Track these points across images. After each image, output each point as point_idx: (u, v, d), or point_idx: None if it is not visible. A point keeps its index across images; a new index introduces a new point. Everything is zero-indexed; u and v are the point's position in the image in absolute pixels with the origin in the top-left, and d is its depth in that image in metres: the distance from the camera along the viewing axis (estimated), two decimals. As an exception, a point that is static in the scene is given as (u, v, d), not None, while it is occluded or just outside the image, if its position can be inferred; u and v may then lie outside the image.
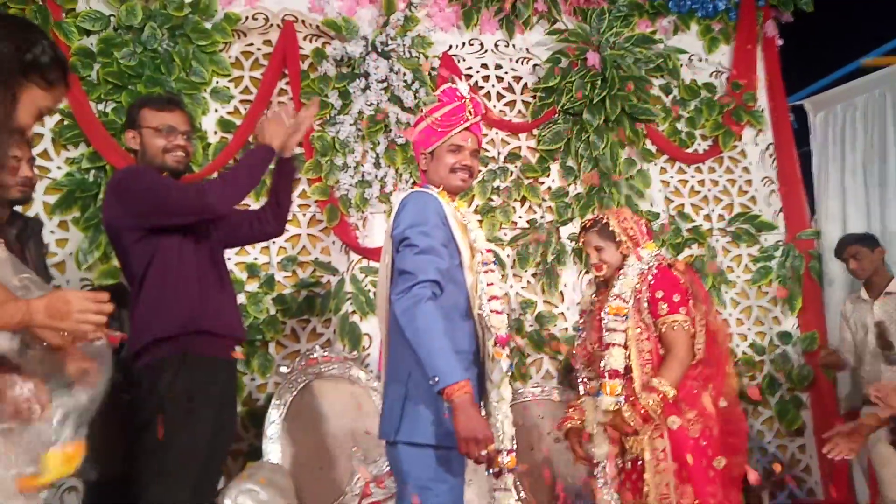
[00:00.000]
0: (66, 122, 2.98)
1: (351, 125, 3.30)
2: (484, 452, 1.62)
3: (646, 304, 2.10)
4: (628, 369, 2.08)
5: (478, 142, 1.95)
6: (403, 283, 1.72)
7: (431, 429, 1.70)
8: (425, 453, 1.71)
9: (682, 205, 3.60)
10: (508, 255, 3.39)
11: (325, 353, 2.77)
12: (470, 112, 1.91)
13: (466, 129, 1.90)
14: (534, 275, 3.39)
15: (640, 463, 2.04)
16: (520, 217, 3.45)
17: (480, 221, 3.34)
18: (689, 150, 3.64)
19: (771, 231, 3.61)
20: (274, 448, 2.55)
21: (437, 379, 1.61)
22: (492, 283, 1.87)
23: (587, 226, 2.26)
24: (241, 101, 3.29)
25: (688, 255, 3.50)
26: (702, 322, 2.12)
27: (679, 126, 3.67)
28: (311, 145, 3.25)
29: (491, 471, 1.80)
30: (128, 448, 1.93)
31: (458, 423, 1.59)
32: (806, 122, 3.82)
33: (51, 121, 2.97)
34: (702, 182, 3.65)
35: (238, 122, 3.23)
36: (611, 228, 2.21)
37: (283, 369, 2.77)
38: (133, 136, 2.10)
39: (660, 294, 2.09)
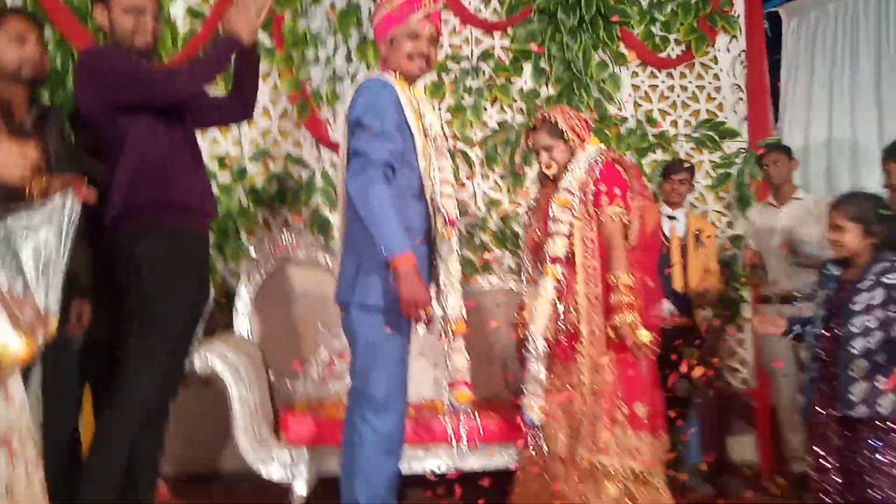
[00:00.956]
0: (29, 7, 2.94)
1: (323, 19, 3.28)
2: (422, 314, 1.80)
3: (591, 196, 2.21)
4: (570, 258, 2.22)
5: (436, 30, 1.99)
6: (357, 164, 1.84)
7: (380, 293, 1.88)
8: (375, 315, 1.89)
9: (651, 110, 3.65)
10: (477, 155, 3.46)
11: (294, 239, 2.90)
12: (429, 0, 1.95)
13: (425, 16, 1.95)
14: (501, 175, 3.48)
15: (573, 338, 2.19)
16: (490, 118, 3.49)
17: (451, 121, 3.42)
18: (663, 55, 3.66)
19: (734, 138, 3.68)
20: (243, 322, 2.73)
21: (384, 250, 1.80)
22: (444, 168, 1.99)
23: (536, 126, 2.33)
24: (212, -10, 3.24)
25: (652, 161, 3.59)
26: (638, 213, 2.24)
27: (654, 29, 3.65)
28: (282, 37, 3.23)
29: (429, 330, 1.99)
30: (110, 312, 2.07)
31: (401, 288, 1.78)
32: (780, 29, 3.82)
33: (13, 3, 2.93)
34: (672, 88, 3.68)
35: (207, 11, 3.20)
36: (559, 127, 2.28)
37: (254, 253, 2.90)
38: (101, 12, 2.09)
39: (603, 187, 2.21)
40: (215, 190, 3.12)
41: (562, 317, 2.21)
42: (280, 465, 2.26)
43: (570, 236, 2.22)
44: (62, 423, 2.06)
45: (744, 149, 3.68)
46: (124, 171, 1.99)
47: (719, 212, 3.67)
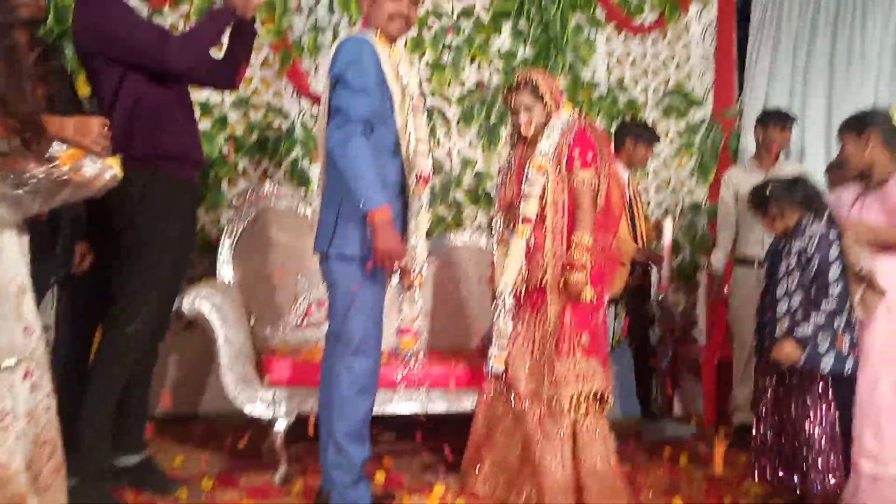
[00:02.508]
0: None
1: (306, -31, 3.25)
2: (396, 265, 1.92)
3: (564, 160, 2.33)
4: (540, 219, 2.35)
5: None
6: (338, 119, 1.92)
7: (358, 244, 1.99)
8: (353, 265, 2.00)
9: (623, 76, 3.75)
10: (454, 114, 3.53)
11: (274, 188, 2.96)
12: None
13: None
14: (476, 134, 3.56)
15: (537, 291, 2.34)
16: (468, 77, 3.55)
17: (429, 80, 3.46)
18: (638, 22, 3.73)
19: (699, 106, 3.82)
20: (226, 269, 2.79)
21: (362, 203, 1.90)
22: (419, 127, 2.08)
23: (519, 85, 2.40)
24: (192, -70, 3.16)
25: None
26: (605, 177, 2.38)
27: (630, -6, 3.72)
28: (264, -16, 3.19)
29: (400, 282, 2.13)
30: (105, 249, 2.14)
31: (377, 240, 1.90)
32: (750, 3, 3.92)
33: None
34: (644, 55, 3.77)
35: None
36: (540, 89, 2.38)
37: (234, 201, 2.95)
38: None
39: (576, 152, 2.32)
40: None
41: (528, 273, 2.36)
42: (263, 403, 2.38)
43: (541, 198, 2.34)
44: (72, 360, 2.17)
45: (708, 119, 3.83)
46: (119, 119, 2.02)
47: (680, 179, 3.84)
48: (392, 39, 2.08)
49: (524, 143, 2.46)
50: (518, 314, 2.37)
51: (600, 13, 3.66)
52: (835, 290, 2.19)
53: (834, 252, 2.21)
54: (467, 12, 3.51)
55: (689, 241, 3.79)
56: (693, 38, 3.82)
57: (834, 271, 2.20)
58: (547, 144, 2.34)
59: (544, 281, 2.32)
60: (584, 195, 2.31)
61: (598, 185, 2.34)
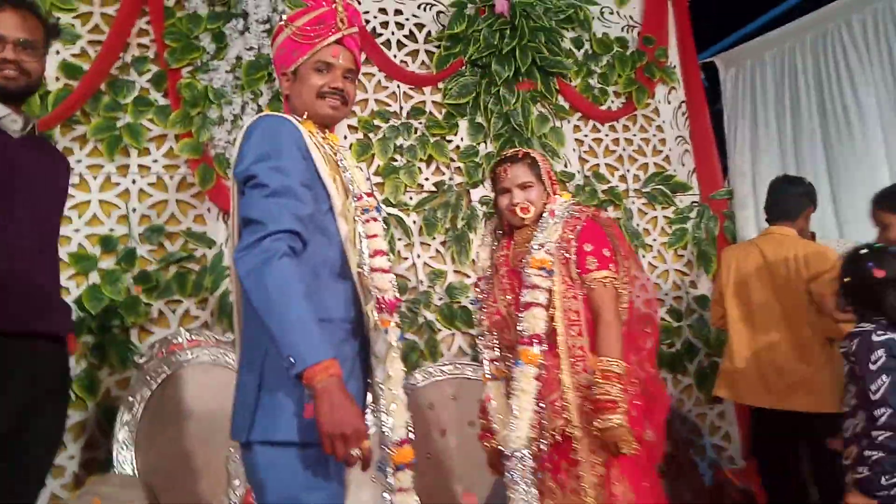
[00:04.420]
0: None
1: (227, 72, 2.76)
2: (355, 451, 1.21)
3: (574, 258, 1.75)
4: (549, 334, 1.73)
5: (353, 60, 1.50)
6: (249, 235, 1.28)
7: (294, 422, 1.27)
8: (289, 454, 1.28)
9: (598, 165, 3.31)
10: (415, 222, 2.98)
11: (193, 337, 2.25)
12: (342, 20, 1.46)
13: (338, 41, 1.46)
14: (442, 242, 3.00)
15: (562, 443, 1.68)
16: (426, 179, 3.03)
17: (381, 184, 2.93)
18: (603, 108, 3.36)
19: (686, 192, 3.39)
20: (126, 456, 2.02)
21: (292, 359, 1.20)
22: (375, 235, 1.45)
23: (516, 157, 1.85)
24: (90, 42, 2.67)
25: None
26: (625, 280, 1.80)
27: (592, 82, 3.37)
28: (178, 94, 2.68)
29: (378, 470, 1.40)
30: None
31: (321, 414, 1.20)
32: (717, 79, 3.64)
33: None
34: (616, 141, 3.37)
35: (86, 66, 2.62)
36: (539, 165, 1.84)
37: (139, 359, 2.22)
38: None
39: (588, 247, 1.74)
40: (95, 277, 2.47)
41: (547, 417, 1.69)
42: None
43: (548, 307, 1.73)
44: None
45: (697, 202, 3.39)
46: None
47: (680, 271, 3.32)
48: (325, 125, 1.51)
49: (510, 240, 1.89)
50: (543, 485, 1.67)
51: (563, 102, 3.28)
52: (883, 411, 1.63)
53: (877, 357, 1.66)
54: (418, 110, 3.06)
55: (703, 342, 3.20)
56: (665, 120, 3.47)
57: (879, 384, 1.64)
58: (546, 234, 1.76)
59: (569, 429, 1.65)
60: (604, 303, 1.71)
61: (621, 289, 1.76)
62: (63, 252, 2.44)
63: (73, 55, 2.64)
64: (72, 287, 2.44)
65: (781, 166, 3.25)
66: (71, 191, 2.52)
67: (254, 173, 1.32)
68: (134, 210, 2.59)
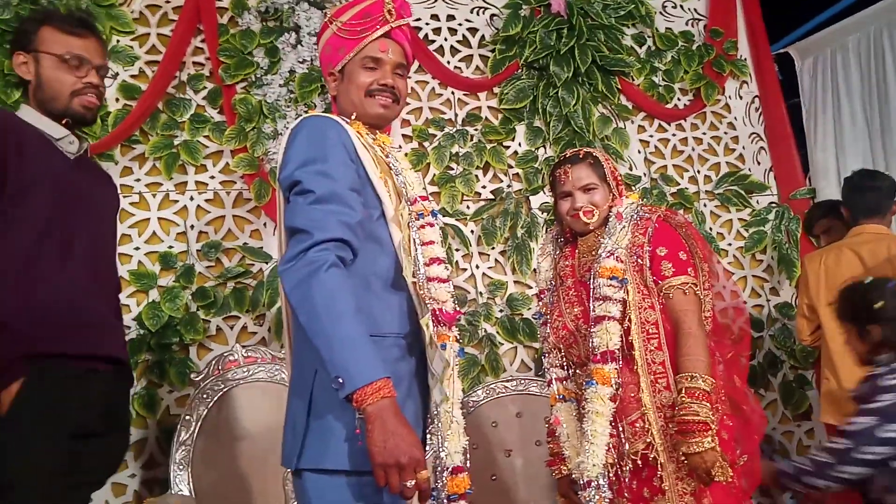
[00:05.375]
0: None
1: (281, 86, 2.73)
2: (410, 483, 1.07)
3: (648, 264, 1.58)
4: (625, 349, 1.55)
5: (404, 54, 1.38)
6: (295, 246, 1.17)
7: (345, 448, 1.15)
8: (339, 483, 1.16)
9: (665, 166, 3.10)
10: (472, 231, 2.86)
11: (249, 354, 2.19)
12: (390, 12, 1.35)
13: (386, 35, 1.35)
14: (502, 252, 2.86)
15: (644, 469, 1.51)
16: (483, 187, 2.91)
17: (437, 193, 2.82)
18: (669, 106, 3.15)
19: (763, 192, 3.14)
20: (182, 476, 1.95)
21: (341, 380, 1.08)
22: (431, 242, 1.32)
23: (577, 157, 1.68)
24: (148, 63, 2.69)
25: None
26: (706, 286, 1.62)
27: (656, 79, 3.17)
28: (233, 110, 2.66)
29: (432, 498, 1.26)
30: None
31: (373, 441, 1.07)
32: (793, 71, 3.37)
33: None
34: (684, 140, 3.16)
35: (144, 86, 2.64)
36: (603, 166, 1.68)
37: (195, 376, 2.17)
38: (24, 62, 1.50)
39: (663, 251, 1.56)
40: (155, 294, 2.45)
41: (623, 443, 1.51)
42: None
43: (622, 320, 1.57)
44: None
45: (775, 203, 3.13)
46: None
47: (759, 277, 3.06)
48: (376, 125, 1.40)
49: (574, 248, 1.73)
50: None
51: (626, 101, 3.09)
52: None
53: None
54: (474, 116, 2.94)
55: (787, 354, 2.93)
56: (737, 116, 3.23)
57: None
58: (615, 241, 1.59)
59: (652, 456, 1.47)
60: (687, 310, 1.52)
61: (702, 296, 1.57)
62: (123, 270, 2.43)
63: (132, 76, 2.66)
64: (132, 305, 2.43)
65: (869, 161, 2.96)
66: (130, 209, 2.54)
67: (298, 179, 1.22)
68: (192, 227, 2.58)
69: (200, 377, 2.12)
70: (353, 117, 1.35)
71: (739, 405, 1.54)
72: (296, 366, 1.30)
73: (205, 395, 2.07)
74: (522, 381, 2.44)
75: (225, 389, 2.10)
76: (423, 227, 1.34)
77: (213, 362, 2.16)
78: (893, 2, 2.97)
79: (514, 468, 2.23)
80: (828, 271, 2.41)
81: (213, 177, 2.65)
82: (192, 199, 2.61)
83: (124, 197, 2.54)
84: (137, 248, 2.51)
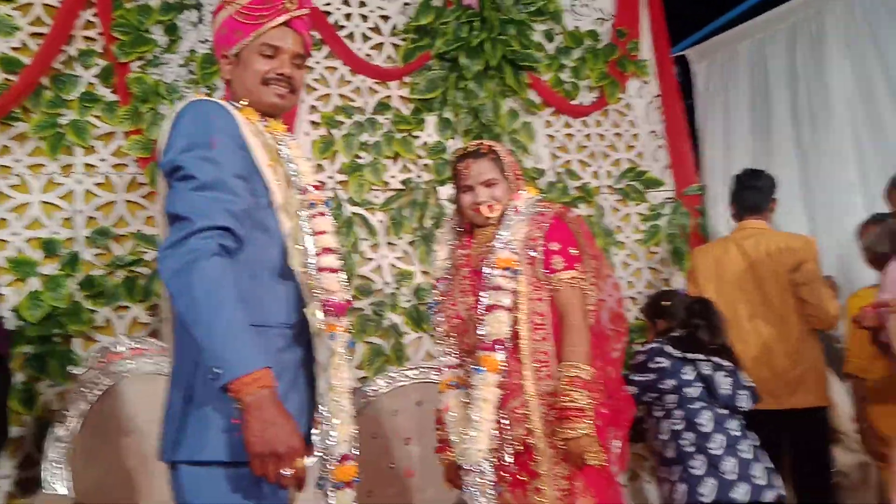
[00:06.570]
0: None
1: (180, 66, 2.59)
2: (288, 472, 1.06)
3: (540, 257, 1.61)
4: (511, 338, 1.58)
5: (303, 44, 1.33)
6: (176, 232, 1.12)
7: (223, 439, 1.12)
8: (216, 475, 1.13)
9: (569, 161, 3.17)
10: (381, 221, 2.82)
11: (136, 346, 2.08)
12: (291, 0, 1.31)
13: (286, 23, 1.30)
14: (410, 242, 2.85)
15: (524, 454, 1.54)
16: (392, 177, 2.88)
17: (345, 182, 2.78)
18: (575, 102, 3.23)
19: (659, 187, 3.27)
20: (58, 476, 1.83)
21: (218, 370, 1.05)
22: (323, 232, 1.29)
23: (478, 151, 1.68)
24: (32, 35, 2.48)
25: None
26: (592, 280, 1.67)
27: (563, 76, 3.23)
28: (127, 90, 2.50)
29: (318, 486, 1.25)
30: None
31: (249, 430, 1.05)
32: (689, 73, 3.52)
33: None
34: (588, 136, 3.24)
35: (27, 59, 2.43)
36: (503, 160, 1.70)
37: (76, 370, 2.04)
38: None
39: (555, 246, 1.60)
40: (36, 283, 2.28)
41: (508, 429, 1.54)
42: None
43: (512, 310, 1.59)
44: None
45: (670, 198, 3.27)
46: None
47: (654, 269, 3.20)
48: (269, 114, 1.34)
49: (470, 238, 1.74)
50: (500, 499, 1.52)
51: (534, 96, 3.14)
52: None
53: None
54: (383, 105, 2.90)
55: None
56: (638, 115, 3.34)
57: None
58: (511, 233, 1.61)
59: (531, 440, 1.51)
60: (573, 303, 1.56)
61: (588, 291, 1.62)
62: (0, 257, 2.25)
63: (13, 48, 2.45)
64: (10, 294, 2.25)
65: (752, 160, 3.14)
66: (10, 192, 2.35)
67: (181, 164, 1.16)
68: (80, 212, 2.41)
69: (82, 371, 1.99)
70: (245, 103, 1.29)
71: (613, 394, 1.60)
72: (176, 356, 1.24)
73: (85, 390, 1.94)
74: (424, 370, 2.44)
75: (109, 383, 1.98)
76: (314, 216, 1.32)
77: (97, 355, 2.03)
78: (779, 13, 3.15)
79: (412, 456, 2.24)
80: (716, 263, 2.54)
81: (103, 159, 2.48)
82: (80, 182, 2.44)
83: (2, 179, 2.34)
84: (16, 234, 2.32)
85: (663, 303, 2.13)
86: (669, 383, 1.91)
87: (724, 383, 1.89)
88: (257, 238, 1.22)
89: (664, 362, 1.94)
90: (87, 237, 2.38)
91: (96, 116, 2.48)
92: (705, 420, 1.86)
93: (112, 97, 2.51)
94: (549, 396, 1.53)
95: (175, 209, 1.14)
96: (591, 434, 1.45)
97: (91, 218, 2.42)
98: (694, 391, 1.89)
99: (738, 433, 1.85)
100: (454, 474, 1.64)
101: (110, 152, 2.49)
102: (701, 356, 1.95)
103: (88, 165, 2.46)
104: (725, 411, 1.87)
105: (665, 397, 1.92)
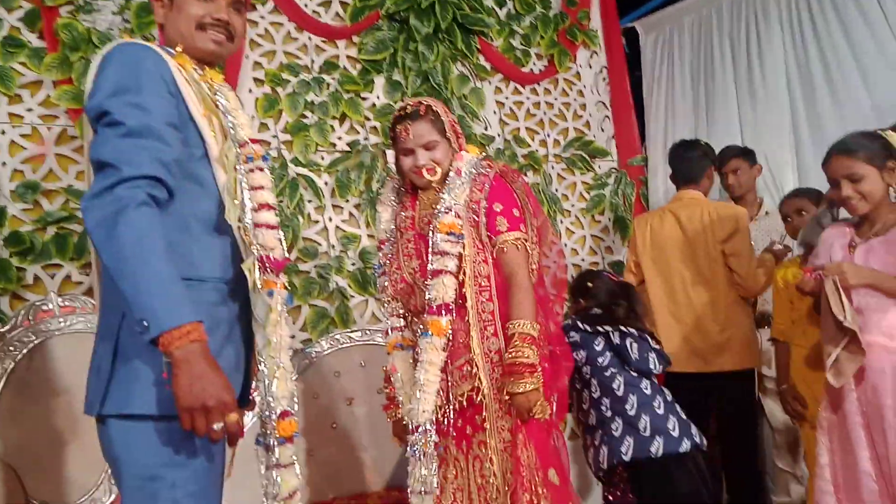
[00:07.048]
0: None
1: (114, 14, 2.45)
2: (217, 426, 1.04)
3: (483, 220, 1.61)
4: (458, 300, 1.60)
5: None
6: (102, 180, 1.06)
7: (152, 392, 1.09)
8: (146, 428, 1.10)
9: (518, 128, 3.18)
10: (326, 183, 2.78)
11: (66, 304, 1.99)
12: None
13: None
14: (356, 205, 2.81)
15: (468, 409, 1.57)
16: (339, 138, 2.82)
17: (290, 142, 2.71)
18: (525, 70, 3.23)
19: (604, 157, 3.33)
20: (-19, 436, 1.78)
21: (146, 323, 1.02)
22: (261, 187, 1.26)
23: (417, 113, 1.64)
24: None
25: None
26: (534, 239, 1.69)
27: (514, 42, 3.22)
28: (55, 36, 2.35)
29: (257, 443, 1.25)
30: None
31: (178, 384, 1.03)
32: (637, 45, 3.56)
33: None
34: (537, 104, 3.25)
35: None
36: (443, 120, 1.68)
37: (1, 328, 1.94)
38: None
39: (498, 207, 1.60)
40: (-43, 240, 2.15)
41: (451, 387, 1.56)
42: None
43: (458, 274, 1.59)
44: None
45: (615, 168, 3.33)
46: None
47: (597, 237, 3.27)
48: (205, 62, 1.28)
49: (414, 200, 1.73)
50: (446, 452, 1.55)
51: (484, 62, 3.12)
52: None
53: None
54: (331, 65, 2.83)
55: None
56: (586, 85, 3.37)
57: None
58: (453, 196, 1.60)
59: (479, 398, 1.53)
60: (516, 265, 1.58)
61: (531, 251, 1.64)
62: (-84, 210, 2.11)
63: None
64: (-73, 250, 2.12)
65: (694, 133, 3.22)
66: (-75, 141, 2.20)
67: (108, 109, 1.10)
68: (3, 164, 2.28)
69: (7, 328, 1.90)
70: (179, 50, 1.23)
71: (553, 349, 1.64)
72: (103, 309, 1.20)
73: (12, 348, 1.86)
74: (368, 332, 2.44)
75: (37, 341, 1.90)
76: (252, 171, 1.28)
77: (23, 312, 1.94)
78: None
79: (355, 416, 2.25)
80: (652, 232, 2.61)
81: (30, 109, 2.33)
82: (3, 132, 2.30)
83: (-84, 126, 2.19)
84: (-64, 188, 2.18)
85: (588, 283, 2.17)
86: (582, 354, 1.97)
87: (633, 349, 1.97)
88: (189, 190, 1.18)
89: (575, 336, 2.00)
90: (12, 191, 2.25)
91: (21, 63, 2.33)
92: (618, 385, 1.93)
93: (39, 43, 2.36)
94: (494, 354, 1.56)
95: (101, 156, 1.08)
96: (539, 388, 1.48)
97: (17, 171, 2.29)
98: (605, 360, 1.97)
99: (649, 392, 1.95)
100: (401, 431, 1.66)
101: (38, 102, 2.35)
102: (609, 327, 2.02)
103: (14, 115, 2.32)
104: (636, 375, 1.96)
105: (582, 369, 1.99)
